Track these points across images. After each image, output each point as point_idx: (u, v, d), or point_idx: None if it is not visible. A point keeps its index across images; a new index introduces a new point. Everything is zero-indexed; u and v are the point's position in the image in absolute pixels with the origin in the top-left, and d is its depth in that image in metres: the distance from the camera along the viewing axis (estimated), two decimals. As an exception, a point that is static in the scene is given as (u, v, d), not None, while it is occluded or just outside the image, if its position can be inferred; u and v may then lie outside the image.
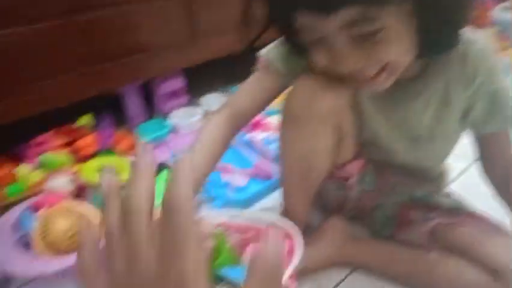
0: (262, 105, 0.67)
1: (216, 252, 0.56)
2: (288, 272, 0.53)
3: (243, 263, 0.58)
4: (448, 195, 0.77)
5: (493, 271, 0.62)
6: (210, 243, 0.53)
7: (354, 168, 0.74)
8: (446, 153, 0.75)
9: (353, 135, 0.70)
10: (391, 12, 0.47)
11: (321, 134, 0.64)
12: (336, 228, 0.77)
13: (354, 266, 0.75)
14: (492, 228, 0.68)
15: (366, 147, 0.74)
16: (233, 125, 0.66)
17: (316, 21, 0.49)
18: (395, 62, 0.52)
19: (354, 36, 0.49)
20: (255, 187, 0.97)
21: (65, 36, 0.93)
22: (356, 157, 0.73)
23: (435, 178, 0.78)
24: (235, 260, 0.60)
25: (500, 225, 0.68)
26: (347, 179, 0.74)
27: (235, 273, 0.53)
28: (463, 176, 0.99)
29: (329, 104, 0.61)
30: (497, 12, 1.87)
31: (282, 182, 0.73)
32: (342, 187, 0.76)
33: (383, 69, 0.53)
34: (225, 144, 0.66)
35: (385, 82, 0.55)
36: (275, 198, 0.94)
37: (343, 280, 0.74)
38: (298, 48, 0.59)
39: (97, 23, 0.98)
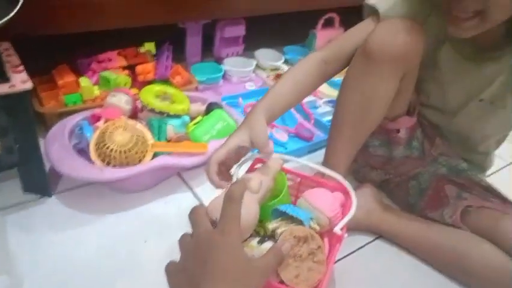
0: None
1: (277, 191, 0.60)
2: (342, 223, 0.57)
3: (299, 204, 0.62)
4: (481, 179, 0.78)
5: None
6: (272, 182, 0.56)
7: (406, 122, 0.74)
8: (500, 129, 0.75)
9: (411, 90, 0.71)
10: None
11: (387, 76, 0.65)
12: (368, 195, 0.79)
13: (380, 234, 0.78)
14: None
15: (422, 108, 0.75)
16: (325, 67, 0.69)
17: None
18: (494, 8, 0.53)
19: None
20: (294, 145, 0.99)
21: None
22: (408, 113, 0.74)
23: (481, 157, 0.79)
24: (288, 201, 0.65)
25: None
26: (397, 131, 0.74)
27: (294, 211, 0.57)
28: (497, 174, 1.00)
29: (404, 48, 0.63)
30: None
31: (332, 129, 0.74)
32: (387, 143, 0.77)
33: (478, 13, 0.54)
34: (315, 80, 0.69)
35: (473, 29, 0.56)
36: (311, 160, 0.97)
37: (367, 244, 0.77)
38: None
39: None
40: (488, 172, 0.95)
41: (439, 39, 0.67)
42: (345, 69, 0.70)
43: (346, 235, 0.58)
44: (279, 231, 0.55)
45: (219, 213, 0.39)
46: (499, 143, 0.79)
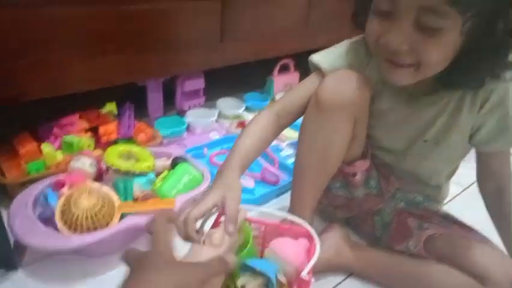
0: (307, 105, 0.73)
1: (243, 243, 0.61)
2: (308, 267, 0.59)
3: (266, 256, 0.63)
4: (438, 210, 0.83)
5: (482, 278, 0.67)
6: (238, 236, 0.58)
7: (361, 166, 0.78)
8: (447, 165, 0.80)
9: (364, 135, 0.76)
10: (457, 21, 0.54)
11: (342, 124, 0.70)
12: (336, 233, 0.82)
13: (351, 272, 0.80)
14: (480, 238, 0.73)
15: (374, 150, 0.80)
16: (278, 121, 0.74)
17: None
18: (428, 64, 0.58)
19: (420, 22, 0.55)
20: (261, 190, 1.02)
21: (105, 22, 0.97)
22: (363, 157, 0.79)
23: (434, 190, 0.83)
24: (256, 252, 0.66)
25: (488, 239, 0.74)
26: (354, 175, 0.78)
27: (261, 265, 0.58)
28: (454, 200, 1.06)
29: (354, 96, 0.68)
30: None
31: (295, 176, 0.78)
32: (346, 185, 0.81)
33: (412, 65, 0.59)
34: (271, 135, 0.73)
35: (407, 77, 0.61)
36: (279, 203, 1.00)
37: (339, 284, 0.79)
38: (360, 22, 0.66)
39: (133, 15, 1.02)
40: (447, 199, 1.01)
41: (378, 88, 0.72)
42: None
43: (313, 279, 0.60)
44: (247, 287, 0.57)
45: None
46: (449, 177, 0.84)
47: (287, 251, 0.64)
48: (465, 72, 0.61)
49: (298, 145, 0.76)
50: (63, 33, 0.92)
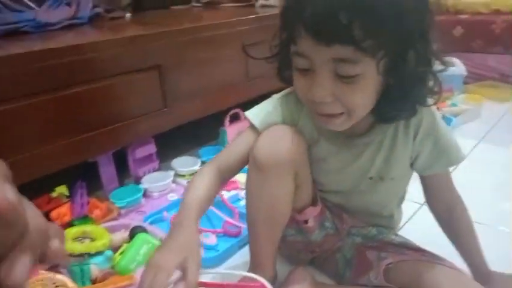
0: (246, 159, 0.75)
1: None
2: None
3: None
4: (396, 234, 0.86)
5: None
6: None
7: (312, 212, 0.80)
8: (395, 195, 0.84)
9: (310, 182, 0.78)
10: (371, 63, 0.58)
11: (282, 180, 0.72)
12: (301, 277, 0.82)
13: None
14: (436, 260, 0.75)
15: (322, 193, 0.82)
16: (220, 175, 0.74)
17: (313, 48, 0.58)
18: (356, 109, 0.62)
19: (337, 72, 0.58)
20: (224, 245, 1.02)
21: (46, 111, 0.99)
22: (313, 203, 0.81)
23: (387, 219, 0.86)
24: None
25: (442, 258, 0.76)
26: (306, 222, 0.80)
27: None
28: (412, 219, 1.09)
29: (288, 152, 0.70)
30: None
31: (249, 231, 0.79)
32: (301, 231, 0.82)
33: (343, 113, 0.63)
34: (214, 191, 0.73)
35: (342, 124, 0.65)
36: (243, 255, 1.00)
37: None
38: (286, 77, 0.70)
39: (76, 98, 1.04)
40: (404, 219, 1.03)
41: (313, 138, 0.75)
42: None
43: None
44: None
45: None
46: (399, 204, 0.87)
47: None
48: (394, 105, 0.64)
49: (246, 202, 0.78)
50: (3, 128, 0.92)
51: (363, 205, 0.82)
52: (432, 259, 0.76)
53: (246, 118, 0.78)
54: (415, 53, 0.59)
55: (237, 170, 0.77)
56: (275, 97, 0.78)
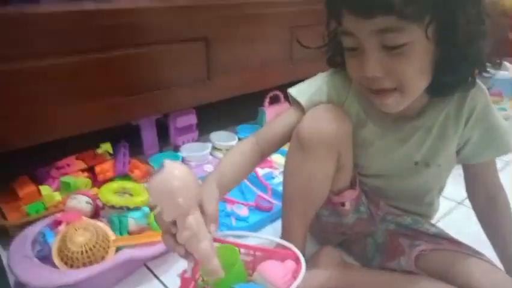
0: (286, 141, 0.75)
1: (229, 266, 0.63)
2: (292, 287, 0.60)
3: (254, 280, 0.65)
4: (432, 225, 0.84)
5: None
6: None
7: (350, 195, 0.80)
8: (439, 182, 0.81)
9: (351, 165, 0.77)
10: (418, 30, 0.56)
11: (323, 160, 0.71)
12: (329, 256, 0.83)
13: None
14: (471, 252, 0.73)
15: (363, 177, 0.81)
16: (259, 148, 0.74)
17: (356, 24, 0.57)
18: (409, 82, 0.60)
19: (384, 44, 0.57)
20: (255, 217, 1.04)
21: (92, 70, 1.03)
22: (351, 186, 0.80)
23: (426, 207, 0.84)
24: (245, 276, 0.67)
25: (479, 252, 0.74)
26: (343, 204, 0.80)
27: None
28: (447, 217, 1.07)
29: (333, 131, 0.69)
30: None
31: (283, 207, 0.79)
32: (336, 213, 0.82)
33: (396, 88, 0.61)
34: (252, 162, 0.73)
35: (396, 103, 0.63)
36: (273, 229, 1.02)
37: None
38: (336, 61, 0.70)
39: (122, 60, 1.08)
40: (439, 215, 1.02)
41: (360, 119, 0.74)
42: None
43: None
44: None
45: None
46: (440, 192, 0.85)
47: (273, 273, 0.65)
48: (450, 75, 0.61)
49: (283, 178, 0.78)
50: (52, 82, 0.97)
51: (405, 190, 0.80)
52: (468, 251, 0.74)
53: (289, 94, 0.77)
54: (465, 14, 0.56)
55: (277, 146, 0.76)
56: (322, 75, 0.77)
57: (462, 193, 0.82)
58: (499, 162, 1.17)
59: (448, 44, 0.58)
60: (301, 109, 0.74)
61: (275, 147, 0.77)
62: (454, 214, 1.08)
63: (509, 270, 0.74)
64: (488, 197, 0.77)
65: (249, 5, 1.37)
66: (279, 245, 0.73)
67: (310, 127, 0.70)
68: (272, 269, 0.66)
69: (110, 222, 0.88)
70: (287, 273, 0.66)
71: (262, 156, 0.76)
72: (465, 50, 0.59)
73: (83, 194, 0.92)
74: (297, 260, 0.68)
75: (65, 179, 1.01)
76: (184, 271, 0.61)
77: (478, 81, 0.69)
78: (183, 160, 1.29)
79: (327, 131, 0.69)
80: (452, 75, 0.62)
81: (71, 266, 0.77)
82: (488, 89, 1.89)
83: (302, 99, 0.74)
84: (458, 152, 0.74)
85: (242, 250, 0.72)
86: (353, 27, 0.59)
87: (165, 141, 1.36)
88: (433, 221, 0.89)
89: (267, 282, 0.64)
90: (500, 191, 0.77)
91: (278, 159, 1.32)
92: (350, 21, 0.59)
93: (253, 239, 0.78)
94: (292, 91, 0.76)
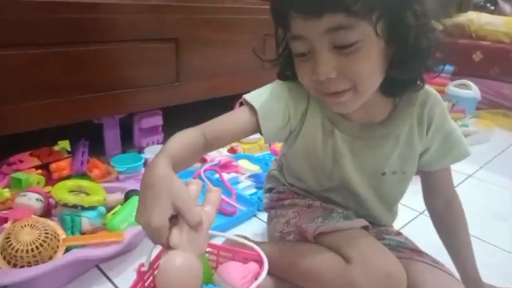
0: (233, 138, 0.69)
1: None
2: (253, 286, 0.58)
3: (214, 281, 0.62)
4: (398, 233, 0.83)
5: None
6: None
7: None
8: (403, 190, 0.81)
9: None
10: (368, 27, 0.55)
11: None
12: None
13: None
14: (431, 262, 0.73)
15: (328, 192, 0.79)
16: (206, 141, 0.64)
17: (305, 25, 0.56)
18: (363, 81, 0.59)
19: (335, 44, 0.56)
20: (218, 221, 1.01)
21: (52, 64, 0.99)
22: None
23: (392, 216, 0.84)
24: (209, 276, 0.65)
25: (438, 262, 0.74)
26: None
27: None
28: (408, 226, 1.08)
29: None
30: (451, 88, 2.09)
31: None
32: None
33: (350, 88, 0.60)
34: (198, 149, 0.62)
35: (350, 101, 0.61)
36: (236, 233, 0.99)
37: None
38: (287, 75, 0.68)
39: (85, 56, 1.04)
40: (401, 224, 1.03)
41: (326, 129, 0.72)
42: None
43: None
44: None
45: None
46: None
47: (233, 275, 0.63)
48: (401, 73, 0.61)
49: None
50: (7, 74, 0.93)
51: (376, 200, 0.79)
52: (428, 261, 0.73)
53: (243, 99, 0.70)
54: (412, 11, 0.56)
55: (224, 143, 0.69)
56: (278, 82, 0.72)
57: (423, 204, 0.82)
58: (460, 176, 1.20)
59: (398, 42, 0.58)
60: (255, 112, 0.68)
61: (222, 144, 0.69)
62: (415, 224, 1.09)
63: (463, 275, 0.75)
64: (445, 202, 0.78)
65: (223, 10, 1.37)
66: (238, 244, 0.70)
67: None
68: (231, 270, 0.64)
69: (62, 221, 0.83)
70: (247, 274, 0.63)
71: (205, 150, 0.66)
72: (414, 47, 0.59)
73: (34, 191, 0.87)
74: (259, 262, 0.66)
75: (16, 175, 0.95)
76: (142, 265, 0.58)
77: (433, 90, 0.71)
78: (146, 162, 1.25)
79: None
80: (402, 73, 0.61)
81: (15, 266, 0.72)
82: (452, 105, 1.96)
83: (256, 103, 0.68)
84: (419, 159, 0.75)
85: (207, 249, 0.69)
86: (302, 30, 0.58)
87: (129, 142, 1.32)
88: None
89: (226, 284, 0.62)
90: (455, 196, 0.79)
91: (245, 164, 1.30)
92: (299, 24, 0.57)
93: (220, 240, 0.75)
94: (247, 96, 0.70)
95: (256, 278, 0.63)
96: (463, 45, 2.29)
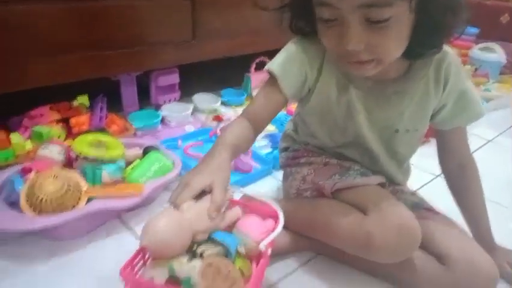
0: (272, 114, 0.73)
1: None
2: (267, 240, 0.59)
3: (235, 231, 0.63)
4: (413, 193, 0.83)
5: (441, 258, 0.68)
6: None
7: None
8: (413, 149, 0.81)
9: None
10: (403, 3, 0.54)
11: None
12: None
13: (319, 253, 0.81)
14: (446, 221, 0.74)
15: (342, 148, 0.79)
16: (251, 125, 0.70)
17: None
18: (387, 54, 0.60)
19: (367, 18, 0.55)
20: (234, 178, 1.02)
21: (72, 20, 0.99)
22: None
23: (404, 173, 0.84)
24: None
25: (453, 221, 0.75)
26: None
27: (226, 239, 0.59)
28: (424, 188, 1.07)
29: None
30: (475, 51, 2.01)
31: None
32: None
33: (374, 59, 0.60)
34: (247, 137, 0.69)
35: (372, 70, 0.62)
36: (251, 191, 1.01)
37: (307, 262, 0.79)
38: (301, 27, 0.67)
39: (106, 12, 1.04)
40: (417, 186, 1.02)
41: (341, 85, 0.71)
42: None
43: (270, 250, 0.60)
44: (205, 253, 0.57)
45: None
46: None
47: (250, 227, 0.64)
48: (423, 40, 0.61)
49: None
50: (29, 30, 0.93)
51: (387, 156, 0.79)
52: (443, 220, 0.75)
53: (266, 71, 0.72)
54: None
55: (266, 122, 0.74)
56: (291, 42, 0.72)
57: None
58: (480, 140, 1.18)
59: (425, 14, 0.58)
60: (276, 79, 0.70)
61: (267, 122, 0.74)
62: (431, 186, 1.09)
63: (477, 237, 0.75)
64: (459, 164, 0.78)
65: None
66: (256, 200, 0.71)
67: None
68: (249, 223, 0.65)
69: (83, 174, 0.85)
70: (264, 228, 0.64)
71: (255, 133, 0.72)
72: (442, 21, 0.59)
73: (55, 144, 0.89)
74: (276, 219, 0.67)
75: (37, 128, 0.97)
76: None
77: (450, 48, 0.70)
78: (163, 119, 1.26)
79: None
80: (426, 44, 0.62)
81: (40, 214, 0.75)
82: (475, 69, 1.90)
83: (275, 68, 0.70)
84: (432, 117, 0.74)
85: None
86: (335, 1, 0.56)
87: (146, 99, 1.33)
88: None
89: (242, 234, 0.63)
90: (470, 160, 0.78)
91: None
92: None
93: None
94: (267, 65, 0.72)
95: (273, 228, 0.64)
96: (490, 6, 2.18)
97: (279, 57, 0.72)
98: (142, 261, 0.58)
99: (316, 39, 0.65)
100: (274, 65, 0.71)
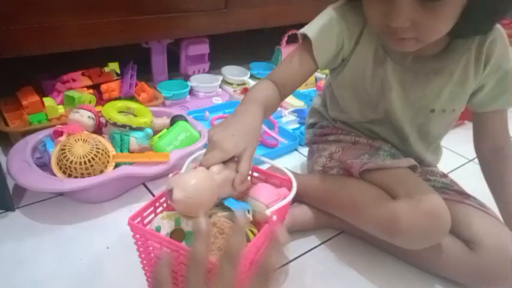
0: (300, 80, 0.70)
1: None
2: (275, 207, 0.58)
3: (246, 199, 0.63)
4: (444, 175, 0.81)
5: (471, 242, 0.66)
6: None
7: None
8: (446, 130, 0.78)
9: None
10: None
11: None
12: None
13: (342, 230, 0.80)
14: (477, 205, 0.72)
15: (371, 124, 0.77)
16: (278, 89, 0.68)
17: None
18: (432, 35, 0.57)
19: None
20: (259, 152, 1.02)
21: None
22: None
23: (435, 153, 0.82)
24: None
25: (485, 205, 0.73)
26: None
27: (237, 205, 0.58)
28: (456, 171, 1.04)
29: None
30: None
31: None
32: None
33: (417, 38, 0.57)
34: (274, 98, 0.67)
35: (412, 47, 0.59)
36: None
37: (329, 239, 0.79)
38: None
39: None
40: (448, 169, 0.99)
41: (379, 56, 0.69)
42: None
43: (275, 217, 0.58)
44: (214, 216, 0.57)
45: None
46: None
47: (261, 193, 0.63)
48: (473, 23, 0.58)
49: None
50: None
51: (417, 136, 0.77)
52: (474, 204, 0.72)
53: (299, 35, 0.69)
54: None
55: (293, 88, 0.71)
56: (331, 7, 0.69)
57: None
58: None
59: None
60: (310, 43, 0.66)
61: (292, 89, 0.71)
62: (463, 170, 1.05)
63: (508, 222, 0.72)
64: (495, 147, 0.74)
65: None
66: (273, 168, 0.71)
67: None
68: (261, 189, 0.64)
69: (112, 139, 0.87)
70: (275, 194, 0.63)
71: (281, 97, 0.70)
72: (497, 3, 0.55)
73: (86, 109, 0.90)
74: (290, 187, 0.66)
75: (69, 93, 0.99)
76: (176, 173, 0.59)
77: (498, 25, 0.65)
78: (192, 90, 1.26)
79: None
80: (475, 27, 0.59)
81: (69, 176, 0.77)
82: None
83: (310, 32, 0.66)
84: (470, 98, 0.71)
85: None
86: None
87: (176, 69, 1.32)
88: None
89: (254, 200, 0.62)
90: (507, 144, 0.74)
91: (290, 99, 1.28)
92: None
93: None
94: (302, 29, 0.69)
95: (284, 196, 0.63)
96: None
97: (316, 22, 0.68)
98: (153, 214, 0.59)
99: (359, 7, 0.63)
100: (310, 29, 0.67)
